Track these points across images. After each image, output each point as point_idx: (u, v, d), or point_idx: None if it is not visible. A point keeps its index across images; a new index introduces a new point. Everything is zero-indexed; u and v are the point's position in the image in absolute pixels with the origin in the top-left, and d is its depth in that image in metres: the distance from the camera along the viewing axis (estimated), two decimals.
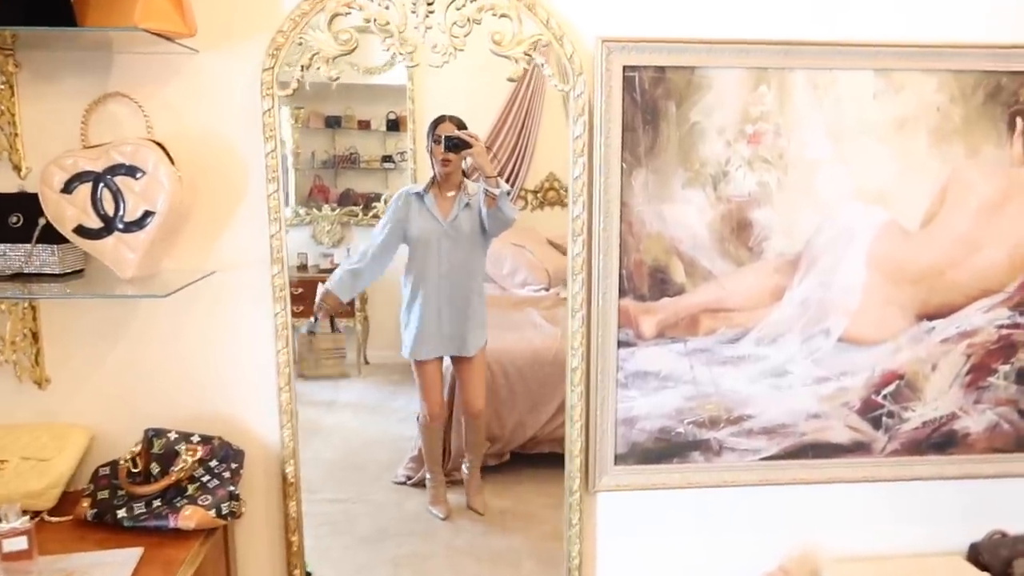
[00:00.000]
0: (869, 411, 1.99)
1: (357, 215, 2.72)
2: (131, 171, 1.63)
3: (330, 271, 2.71)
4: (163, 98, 1.75)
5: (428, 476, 2.54)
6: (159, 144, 1.67)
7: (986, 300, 1.96)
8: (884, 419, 1.99)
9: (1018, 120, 1.88)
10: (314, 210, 2.70)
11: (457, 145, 2.26)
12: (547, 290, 2.90)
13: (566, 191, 1.86)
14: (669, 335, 1.91)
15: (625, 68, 1.77)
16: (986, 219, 1.92)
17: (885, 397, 1.98)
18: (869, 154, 1.86)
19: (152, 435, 1.74)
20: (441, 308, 2.48)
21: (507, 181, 2.68)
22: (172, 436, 1.74)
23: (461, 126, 2.37)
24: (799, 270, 1.91)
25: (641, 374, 1.92)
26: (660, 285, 1.88)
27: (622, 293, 1.87)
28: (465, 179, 2.42)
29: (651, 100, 1.80)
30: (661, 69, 1.79)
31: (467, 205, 2.42)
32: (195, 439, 1.74)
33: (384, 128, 2.69)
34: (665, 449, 1.96)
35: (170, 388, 1.86)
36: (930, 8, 1.86)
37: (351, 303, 2.74)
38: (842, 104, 1.84)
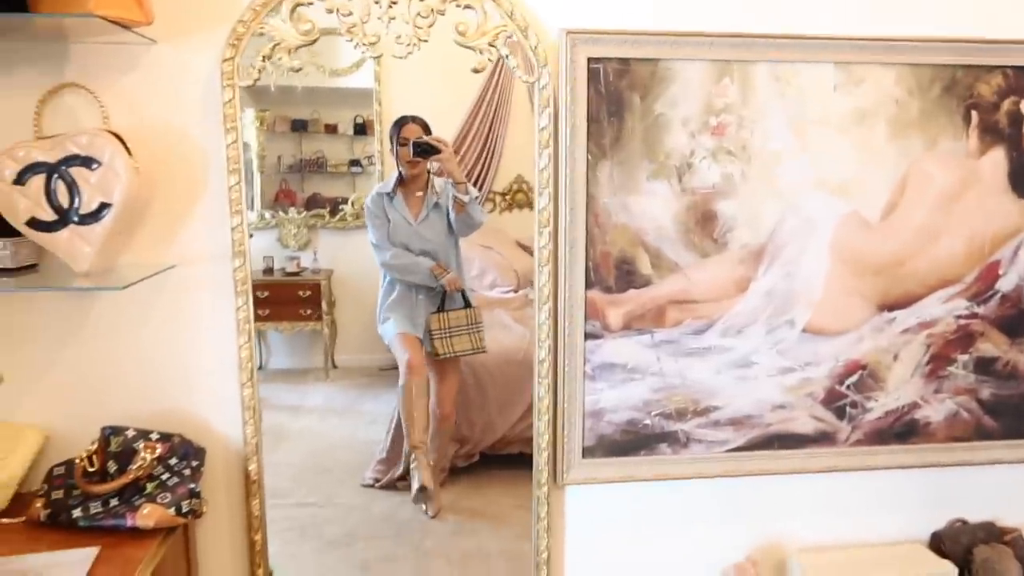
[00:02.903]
0: (833, 401, 2.01)
1: (324, 217, 2.69)
2: (87, 162, 1.59)
3: (297, 274, 2.67)
4: (120, 89, 1.71)
5: (412, 457, 2.39)
6: (116, 135, 1.63)
7: (944, 291, 1.99)
8: (848, 409, 2.01)
9: (973, 113, 1.91)
10: (280, 213, 2.66)
11: (426, 150, 2.22)
12: (516, 292, 2.89)
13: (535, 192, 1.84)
14: (636, 327, 1.91)
15: (589, 60, 1.77)
16: (944, 211, 1.95)
17: (848, 387, 2.01)
18: (830, 146, 1.89)
19: (109, 433, 1.70)
20: (417, 302, 2.45)
21: (475, 183, 2.66)
22: (130, 434, 1.70)
23: (426, 127, 2.34)
24: (763, 261, 1.92)
25: (608, 366, 1.92)
26: (626, 276, 1.88)
27: (588, 285, 1.87)
28: (432, 177, 2.40)
29: (616, 92, 1.80)
30: (625, 61, 1.79)
31: (436, 204, 2.40)
32: (154, 436, 1.70)
33: (351, 132, 2.66)
34: (633, 441, 1.96)
35: (128, 385, 1.82)
36: (889, 3, 1.88)
37: (330, 304, 2.70)
38: (804, 96, 1.85)
